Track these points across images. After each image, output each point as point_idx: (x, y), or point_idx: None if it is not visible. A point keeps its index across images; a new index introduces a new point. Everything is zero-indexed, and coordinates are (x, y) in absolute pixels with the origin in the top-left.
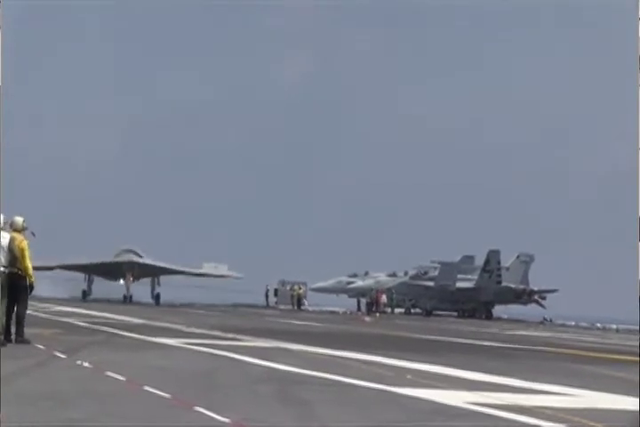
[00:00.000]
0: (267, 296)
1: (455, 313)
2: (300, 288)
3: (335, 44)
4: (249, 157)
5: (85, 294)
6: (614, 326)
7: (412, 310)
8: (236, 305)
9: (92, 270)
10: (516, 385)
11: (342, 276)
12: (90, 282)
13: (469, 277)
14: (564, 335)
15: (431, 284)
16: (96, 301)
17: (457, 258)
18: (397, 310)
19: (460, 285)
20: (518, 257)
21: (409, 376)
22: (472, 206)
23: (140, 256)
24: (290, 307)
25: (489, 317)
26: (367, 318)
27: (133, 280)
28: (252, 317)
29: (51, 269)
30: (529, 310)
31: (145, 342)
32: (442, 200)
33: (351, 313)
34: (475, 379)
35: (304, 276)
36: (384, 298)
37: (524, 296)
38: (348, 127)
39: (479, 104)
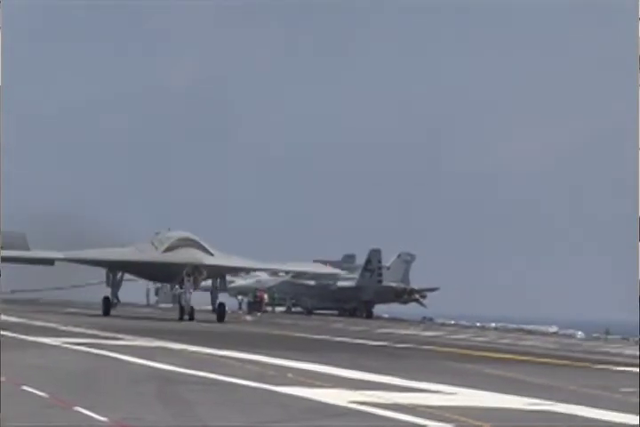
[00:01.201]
0: (147, 295)
1: (336, 312)
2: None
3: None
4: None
5: (109, 303)
6: (493, 325)
7: (294, 309)
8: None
9: (126, 269)
10: (398, 384)
11: None
12: (115, 285)
13: (350, 276)
14: (440, 333)
15: (312, 283)
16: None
17: (339, 257)
18: (278, 309)
19: (341, 284)
20: (399, 256)
21: (290, 375)
22: (354, 205)
23: (206, 250)
24: (171, 306)
25: (370, 316)
26: (248, 317)
27: (195, 287)
28: (133, 316)
29: (51, 262)
30: (410, 309)
31: (23, 342)
32: (323, 199)
33: (232, 312)
34: (356, 378)
35: None
36: (265, 297)
37: (404, 295)
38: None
39: (368, 104)
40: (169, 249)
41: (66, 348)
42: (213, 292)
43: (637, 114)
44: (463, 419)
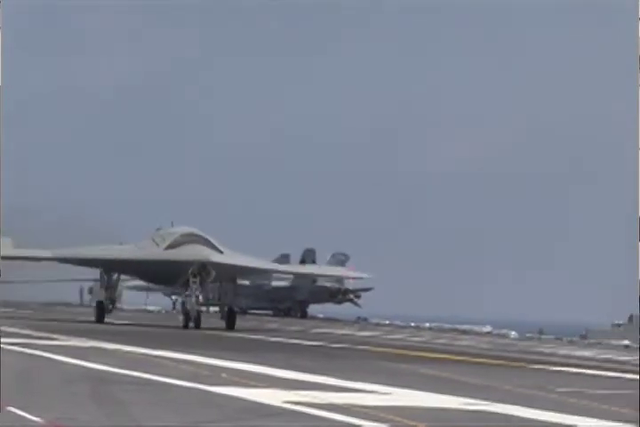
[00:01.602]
0: (81, 295)
1: (271, 312)
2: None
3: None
4: None
5: (103, 308)
6: (427, 325)
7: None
8: (48, 304)
9: (122, 269)
10: (333, 384)
11: None
12: (110, 287)
13: (285, 275)
14: (375, 333)
15: (247, 282)
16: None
17: (274, 256)
18: (213, 309)
19: (275, 284)
20: (333, 256)
21: (224, 375)
22: (288, 205)
23: (214, 247)
24: None
25: (304, 315)
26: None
27: (202, 290)
28: (67, 315)
29: (38, 261)
30: (344, 309)
31: None
32: (257, 198)
33: (167, 312)
34: (291, 378)
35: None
36: (200, 297)
37: (339, 295)
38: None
39: (306, 104)
40: (172, 246)
41: None
42: (222, 296)
43: (637, 114)
44: (398, 419)
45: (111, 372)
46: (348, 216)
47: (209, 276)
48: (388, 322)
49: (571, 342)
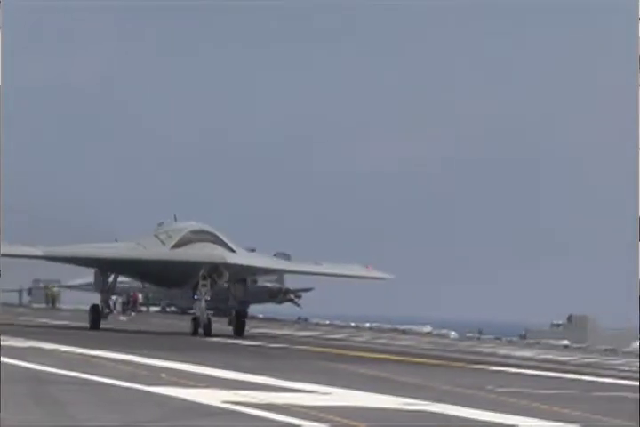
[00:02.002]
0: (20, 295)
1: (211, 312)
2: (54, 287)
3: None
4: None
5: (98, 313)
6: (367, 325)
7: (168, 309)
8: None
9: (122, 269)
10: (273, 384)
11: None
12: (107, 289)
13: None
14: (315, 333)
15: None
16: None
17: None
18: (153, 309)
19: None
20: (275, 256)
21: (163, 375)
22: (228, 204)
23: (227, 245)
24: (44, 306)
25: (244, 315)
26: (123, 317)
27: (212, 293)
28: (4, 316)
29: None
30: (285, 309)
31: None
32: (196, 196)
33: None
34: (230, 378)
35: (59, 274)
36: (140, 297)
37: (279, 295)
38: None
39: (225, 108)
40: (180, 244)
41: None
42: (230, 298)
43: (637, 114)
44: (338, 419)
45: (49, 372)
46: (287, 215)
47: (221, 278)
48: (328, 322)
49: (510, 342)
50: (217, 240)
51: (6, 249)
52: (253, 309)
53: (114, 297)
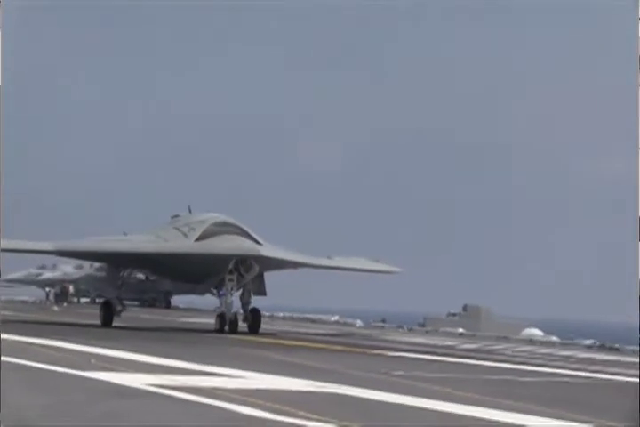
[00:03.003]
0: None
1: (137, 302)
2: None
3: None
4: None
5: (111, 310)
6: (281, 314)
7: (97, 300)
8: None
9: (140, 264)
10: (192, 368)
11: (31, 268)
12: (120, 284)
13: None
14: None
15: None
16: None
17: None
18: (83, 300)
19: (141, 275)
20: None
21: (93, 361)
22: (162, 196)
23: (252, 238)
24: None
25: (168, 306)
26: (55, 308)
27: (238, 288)
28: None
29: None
30: (206, 300)
31: None
32: (135, 188)
33: (41, 302)
34: (154, 362)
35: None
36: (71, 288)
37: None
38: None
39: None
40: (204, 236)
41: None
42: (246, 294)
43: (637, 114)
44: (252, 400)
45: None
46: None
47: (249, 271)
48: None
49: (410, 330)
50: (243, 232)
51: (15, 244)
52: (177, 300)
53: (47, 289)
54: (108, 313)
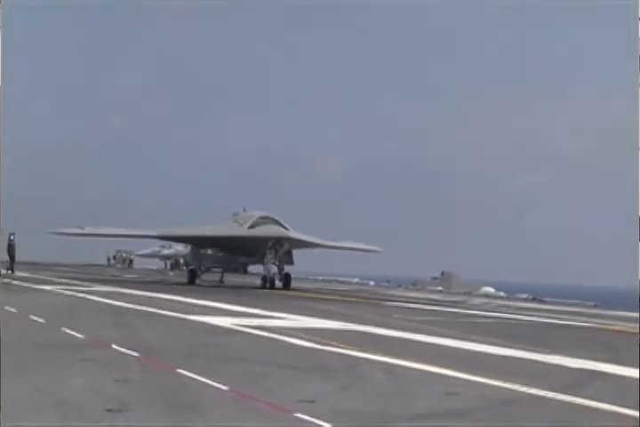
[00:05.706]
0: (108, 259)
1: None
2: (130, 254)
3: None
4: None
5: (195, 274)
6: (321, 278)
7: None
8: (85, 265)
9: (213, 244)
10: (260, 313)
11: (154, 247)
12: (200, 258)
13: None
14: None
15: (210, 252)
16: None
17: None
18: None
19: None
20: None
21: (196, 309)
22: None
23: (284, 226)
24: (123, 266)
25: (245, 272)
26: (171, 273)
27: (276, 258)
28: (100, 272)
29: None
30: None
31: (28, 288)
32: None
33: (161, 270)
34: (234, 310)
35: (132, 246)
36: (181, 261)
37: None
38: None
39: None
40: (253, 226)
41: (56, 292)
42: (281, 263)
43: (637, 114)
44: (301, 335)
45: (125, 307)
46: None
47: (282, 248)
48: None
49: (406, 289)
50: (277, 223)
51: (126, 230)
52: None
53: (166, 261)
54: (192, 276)
